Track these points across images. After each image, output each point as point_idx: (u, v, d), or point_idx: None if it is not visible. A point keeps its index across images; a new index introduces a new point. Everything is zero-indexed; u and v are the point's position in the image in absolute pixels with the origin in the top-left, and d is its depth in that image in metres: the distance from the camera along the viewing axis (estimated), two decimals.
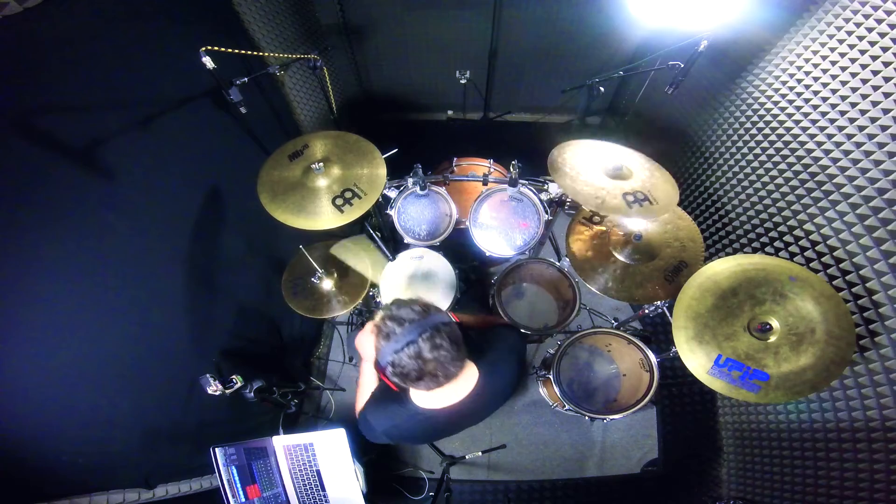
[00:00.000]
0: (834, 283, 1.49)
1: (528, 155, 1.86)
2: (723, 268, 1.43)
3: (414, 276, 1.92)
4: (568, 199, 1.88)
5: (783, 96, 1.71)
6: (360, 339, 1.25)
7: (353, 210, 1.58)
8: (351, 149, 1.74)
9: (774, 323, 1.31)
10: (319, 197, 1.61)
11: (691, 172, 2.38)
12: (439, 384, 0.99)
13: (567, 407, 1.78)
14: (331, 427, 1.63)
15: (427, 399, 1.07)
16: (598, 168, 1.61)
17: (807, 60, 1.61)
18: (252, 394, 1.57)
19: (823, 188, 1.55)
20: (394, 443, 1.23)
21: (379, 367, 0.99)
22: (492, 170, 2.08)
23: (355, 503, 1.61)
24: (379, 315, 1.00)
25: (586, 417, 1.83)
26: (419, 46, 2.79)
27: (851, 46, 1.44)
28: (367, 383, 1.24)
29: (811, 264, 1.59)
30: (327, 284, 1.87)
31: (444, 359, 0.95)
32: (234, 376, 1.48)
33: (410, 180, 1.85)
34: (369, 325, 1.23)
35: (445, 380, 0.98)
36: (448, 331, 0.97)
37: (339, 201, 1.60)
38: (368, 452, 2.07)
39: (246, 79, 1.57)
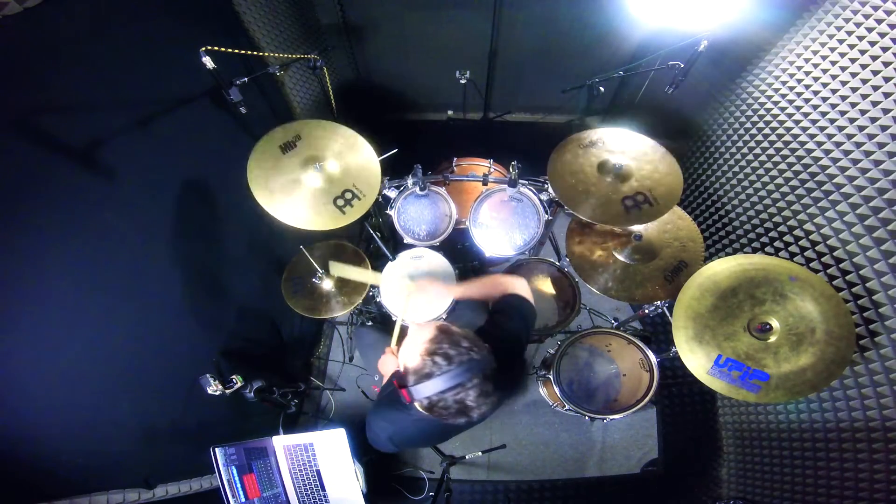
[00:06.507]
0: (834, 283, 1.49)
1: (528, 155, 1.86)
2: (723, 268, 1.43)
3: (414, 276, 1.92)
4: None
5: (783, 96, 1.71)
6: (384, 361, 1.25)
7: (353, 211, 1.62)
8: (344, 141, 1.75)
9: (774, 323, 1.31)
10: (318, 197, 1.63)
11: (691, 172, 2.39)
12: (469, 418, 0.98)
13: (567, 407, 1.77)
14: (331, 427, 1.63)
15: None
16: (598, 169, 1.61)
17: (807, 60, 1.61)
18: (252, 394, 1.57)
19: (823, 188, 1.55)
20: (399, 449, 1.23)
21: (413, 399, 0.97)
22: (492, 170, 2.08)
23: (355, 503, 1.61)
24: (424, 347, 0.97)
25: (586, 417, 1.83)
26: (419, 46, 2.79)
27: (851, 46, 1.44)
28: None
29: (811, 264, 1.60)
30: (327, 284, 1.87)
31: (484, 404, 0.96)
32: (234, 376, 1.48)
33: (410, 180, 1.85)
34: (389, 351, 1.25)
35: (477, 415, 0.97)
36: (491, 373, 0.97)
37: (341, 202, 1.62)
38: (368, 452, 2.06)
39: (246, 79, 1.57)
